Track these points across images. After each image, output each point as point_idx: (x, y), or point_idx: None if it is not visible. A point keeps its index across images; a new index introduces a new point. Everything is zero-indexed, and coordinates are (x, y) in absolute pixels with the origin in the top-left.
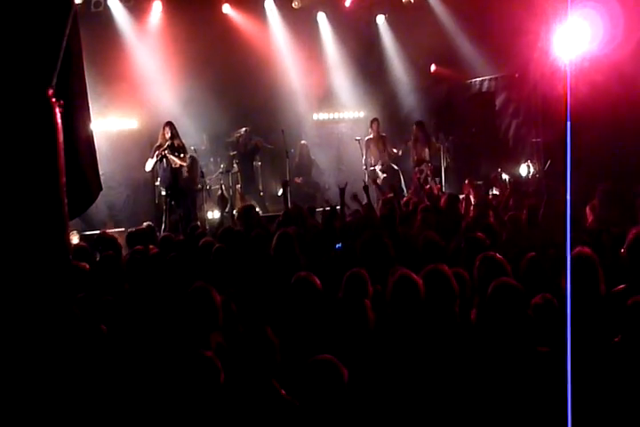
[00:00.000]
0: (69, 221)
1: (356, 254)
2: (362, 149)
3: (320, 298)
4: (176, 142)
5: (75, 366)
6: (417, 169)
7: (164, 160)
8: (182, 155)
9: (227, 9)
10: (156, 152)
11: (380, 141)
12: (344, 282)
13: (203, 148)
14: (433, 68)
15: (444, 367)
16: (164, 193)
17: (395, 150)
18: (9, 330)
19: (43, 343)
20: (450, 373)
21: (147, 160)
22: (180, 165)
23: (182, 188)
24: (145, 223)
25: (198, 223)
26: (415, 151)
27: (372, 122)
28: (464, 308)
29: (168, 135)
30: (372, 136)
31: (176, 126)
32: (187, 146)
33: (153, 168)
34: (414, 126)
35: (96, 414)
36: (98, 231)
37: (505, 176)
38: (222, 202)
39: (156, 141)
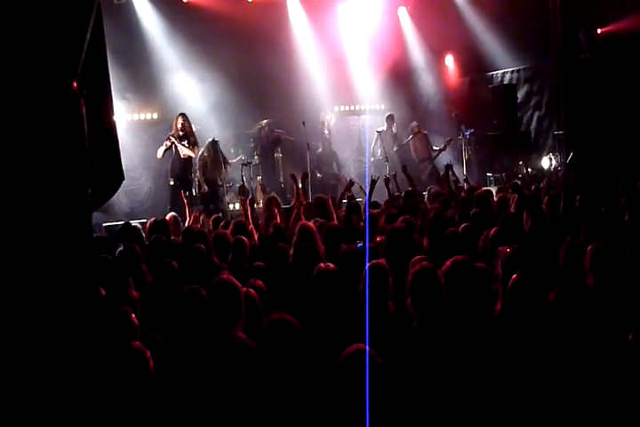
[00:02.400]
0: (93, 211)
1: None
2: (375, 141)
3: (341, 290)
4: (187, 132)
5: (103, 357)
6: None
7: (174, 149)
8: (192, 146)
9: None
10: (167, 141)
11: (394, 137)
12: (366, 274)
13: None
14: (450, 60)
15: (468, 359)
16: (172, 183)
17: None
18: (34, 323)
19: (71, 336)
20: (474, 364)
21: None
22: (189, 156)
23: (190, 178)
24: (169, 214)
25: (220, 215)
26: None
27: (387, 117)
28: (489, 300)
29: (179, 126)
30: (384, 128)
31: (189, 118)
32: (209, 136)
33: (163, 156)
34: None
35: (125, 405)
36: (120, 222)
37: (526, 169)
38: (243, 194)
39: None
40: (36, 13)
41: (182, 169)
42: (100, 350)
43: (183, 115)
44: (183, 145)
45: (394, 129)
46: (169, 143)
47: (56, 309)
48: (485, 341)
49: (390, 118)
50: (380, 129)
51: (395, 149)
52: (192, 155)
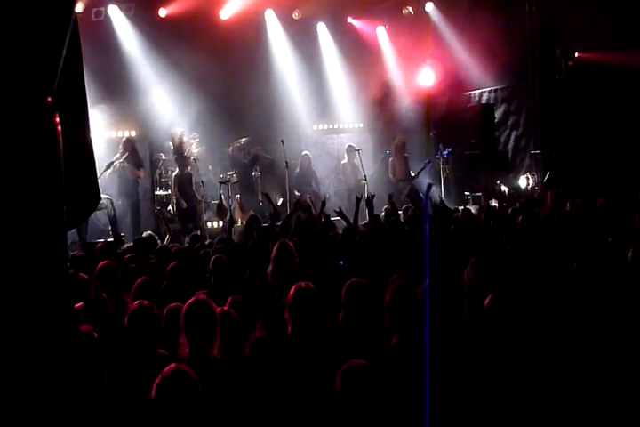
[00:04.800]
0: (68, 231)
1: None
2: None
3: (319, 308)
4: (133, 155)
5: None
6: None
7: (123, 171)
8: (139, 167)
9: (225, 15)
10: (114, 162)
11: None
12: (344, 292)
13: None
14: (428, 79)
15: (449, 378)
16: (119, 202)
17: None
18: (5, 339)
19: (43, 357)
20: (455, 383)
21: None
22: (138, 177)
23: (139, 199)
24: (145, 233)
25: (198, 233)
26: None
27: (347, 148)
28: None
29: (130, 149)
30: (346, 161)
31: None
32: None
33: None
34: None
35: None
36: (100, 241)
37: (504, 188)
38: (221, 212)
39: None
40: (10, 29)
41: (132, 190)
42: (72, 370)
43: (129, 139)
44: (132, 167)
45: (356, 161)
46: (116, 165)
47: (28, 328)
48: (464, 359)
49: (351, 149)
50: (343, 161)
51: (364, 177)
52: (140, 176)
